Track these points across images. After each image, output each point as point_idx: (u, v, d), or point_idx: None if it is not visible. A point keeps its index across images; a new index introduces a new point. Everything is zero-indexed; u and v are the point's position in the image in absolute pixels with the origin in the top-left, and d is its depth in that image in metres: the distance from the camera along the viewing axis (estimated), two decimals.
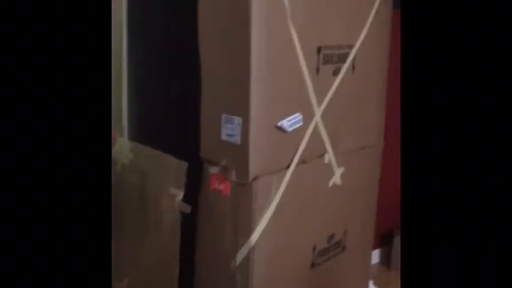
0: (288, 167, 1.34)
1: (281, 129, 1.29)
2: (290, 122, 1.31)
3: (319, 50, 1.35)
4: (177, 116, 1.45)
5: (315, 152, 1.44)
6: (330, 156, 1.48)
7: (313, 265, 1.53)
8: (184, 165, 1.36)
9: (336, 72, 1.43)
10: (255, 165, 1.25)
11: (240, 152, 1.25)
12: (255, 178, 1.25)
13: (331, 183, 1.51)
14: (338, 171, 1.52)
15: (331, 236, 1.58)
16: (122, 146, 1.61)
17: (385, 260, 2.57)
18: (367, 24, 1.50)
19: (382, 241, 2.55)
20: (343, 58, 1.44)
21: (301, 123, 1.34)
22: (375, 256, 2.49)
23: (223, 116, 1.26)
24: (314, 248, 1.52)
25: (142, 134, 1.59)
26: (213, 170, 1.33)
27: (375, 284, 1.99)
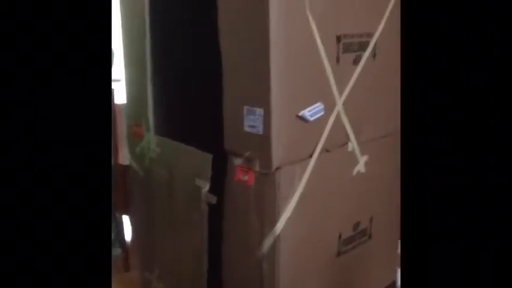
0: (311, 156, 1.36)
1: (303, 119, 1.31)
2: (311, 112, 1.32)
3: (338, 38, 1.36)
4: (201, 110, 1.48)
5: (338, 140, 1.45)
6: (353, 145, 1.48)
7: (339, 253, 1.54)
8: (209, 157, 1.39)
9: (356, 61, 1.43)
10: (277, 155, 1.27)
11: (262, 142, 1.27)
12: (278, 168, 1.27)
13: (355, 172, 1.52)
14: (362, 159, 1.53)
15: (357, 224, 1.59)
16: (149, 141, 1.65)
17: None
18: (387, 12, 1.49)
19: None
20: (363, 46, 1.44)
21: (322, 113, 1.35)
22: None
23: (245, 107, 1.29)
24: (340, 236, 1.53)
25: (168, 128, 1.63)
26: (237, 161, 1.36)
27: None
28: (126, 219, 2.23)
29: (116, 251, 2.14)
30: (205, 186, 1.42)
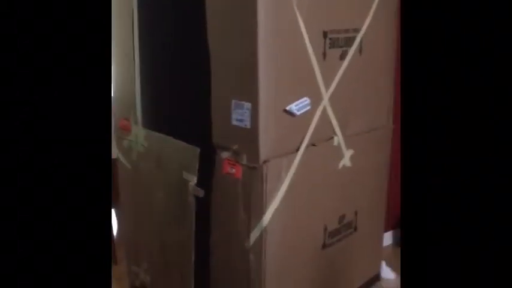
0: (298, 149, 1.38)
1: (290, 113, 1.33)
2: (298, 106, 1.34)
3: (325, 34, 1.37)
4: (189, 104, 1.49)
5: (324, 135, 1.47)
6: (339, 139, 1.51)
7: (324, 246, 1.57)
8: (196, 150, 1.41)
9: (342, 56, 1.45)
10: (265, 148, 1.29)
11: (250, 136, 1.29)
12: (266, 161, 1.29)
13: (340, 165, 1.55)
14: (347, 153, 1.55)
15: (342, 217, 1.62)
16: (137, 135, 1.66)
17: (399, 242, 2.59)
18: (373, 7, 1.52)
19: (396, 223, 2.58)
20: (349, 42, 1.46)
21: (309, 107, 1.37)
22: (388, 238, 2.51)
23: (233, 101, 1.30)
24: (325, 229, 1.56)
25: (156, 122, 1.64)
26: (225, 154, 1.37)
27: (387, 264, 2.02)
28: (113, 213, 2.24)
29: None
30: (193, 180, 1.43)
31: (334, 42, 1.41)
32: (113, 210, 2.24)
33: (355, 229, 1.70)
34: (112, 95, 1.80)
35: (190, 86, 1.48)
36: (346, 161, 1.55)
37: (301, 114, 1.35)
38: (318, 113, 1.42)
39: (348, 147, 1.55)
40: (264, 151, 1.29)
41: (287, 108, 1.31)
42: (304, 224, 1.48)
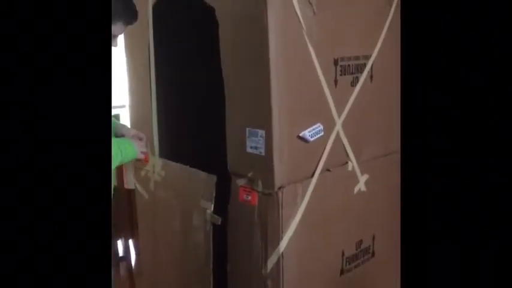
0: (313, 175, 1.40)
1: (303, 139, 1.35)
2: (311, 132, 1.36)
3: (336, 62, 1.41)
4: (205, 132, 1.53)
5: (338, 160, 1.48)
6: (353, 164, 1.52)
7: (342, 271, 1.56)
8: (213, 178, 1.43)
9: (353, 83, 1.48)
10: (280, 175, 1.31)
11: (265, 163, 1.31)
12: (281, 187, 1.31)
13: (356, 190, 1.55)
14: (362, 178, 1.56)
15: (359, 242, 1.61)
16: (154, 165, 1.69)
17: None
18: (383, 34, 1.55)
19: None
20: (360, 68, 1.49)
21: (322, 133, 1.39)
22: None
23: (247, 129, 1.33)
24: (343, 254, 1.55)
25: (172, 151, 1.67)
26: (241, 182, 1.39)
27: None
28: (131, 244, 2.26)
29: (122, 273, 2.16)
30: (210, 207, 1.45)
31: (345, 69, 1.44)
32: (130, 242, 2.26)
33: (373, 254, 1.69)
34: (128, 125, 1.84)
35: (206, 115, 1.52)
36: (361, 186, 1.56)
37: (314, 140, 1.37)
38: (332, 138, 1.44)
39: (363, 172, 1.56)
40: (279, 177, 1.31)
41: (300, 134, 1.34)
42: (321, 250, 1.48)
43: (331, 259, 1.53)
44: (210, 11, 1.35)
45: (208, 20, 1.37)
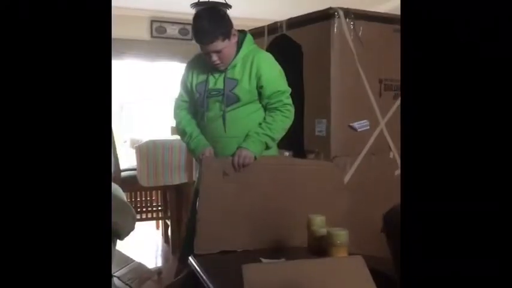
0: (359, 154, 2.07)
1: (353, 128, 2.05)
2: (359, 125, 2.05)
3: (380, 81, 2.11)
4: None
5: (382, 149, 2.13)
6: (394, 153, 2.16)
7: None
8: (291, 155, 2.18)
9: (395, 97, 2.15)
10: (334, 149, 2.02)
11: (325, 141, 2.03)
12: (335, 156, 2.01)
13: (396, 174, 2.17)
14: None
15: None
16: None
17: None
18: None
19: None
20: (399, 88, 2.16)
21: (368, 127, 2.08)
22: None
23: (316, 120, 2.07)
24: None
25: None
26: (310, 156, 2.12)
27: None
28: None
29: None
30: None
31: (388, 86, 2.13)
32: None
33: None
34: None
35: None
36: (400, 172, 2.18)
37: (362, 131, 2.06)
38: (376, 132, 2.11)
39: None
40: (333, 150, 2.01)
41: (351, 124, 2.04)
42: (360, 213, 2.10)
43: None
44: (298, 47, 2.16)
45: (297, 51, 2.18)
